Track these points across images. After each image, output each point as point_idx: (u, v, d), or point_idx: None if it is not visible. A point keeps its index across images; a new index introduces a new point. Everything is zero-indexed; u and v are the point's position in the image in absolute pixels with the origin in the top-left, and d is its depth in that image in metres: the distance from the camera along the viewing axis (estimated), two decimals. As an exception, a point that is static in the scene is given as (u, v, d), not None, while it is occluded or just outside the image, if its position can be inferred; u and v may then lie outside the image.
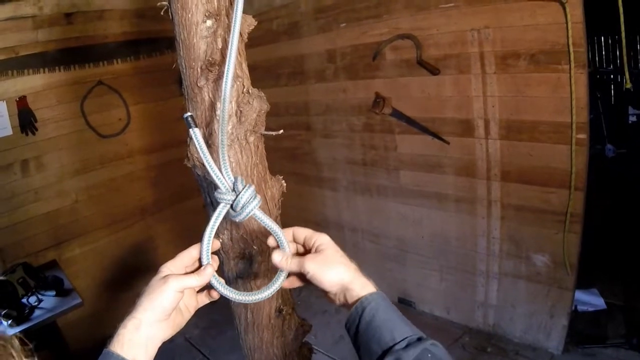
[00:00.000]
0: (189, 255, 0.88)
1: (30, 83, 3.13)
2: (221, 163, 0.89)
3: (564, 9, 2.24)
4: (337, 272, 0.86)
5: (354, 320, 0.81)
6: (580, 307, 3.08)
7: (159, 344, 0.81)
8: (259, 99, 1.11)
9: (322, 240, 0.92)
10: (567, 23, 2.25)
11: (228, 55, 0.91)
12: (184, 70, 1.12)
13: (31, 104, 3.14)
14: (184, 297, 0.85)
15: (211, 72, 1.07)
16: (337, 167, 3.67)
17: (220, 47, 1.08)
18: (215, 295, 0.90)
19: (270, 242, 0.94)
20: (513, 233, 2.81)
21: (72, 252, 3.43)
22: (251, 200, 0.89)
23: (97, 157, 3.53)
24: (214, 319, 3.48)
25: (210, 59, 1.07)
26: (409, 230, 3.34)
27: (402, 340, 0.75)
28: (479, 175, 2.84)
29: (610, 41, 6.06)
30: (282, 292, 1.32)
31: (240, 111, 1.09)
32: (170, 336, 0.84)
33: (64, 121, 3.32)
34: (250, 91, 1.12)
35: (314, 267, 0.86)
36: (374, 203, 3.52)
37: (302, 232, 0.95)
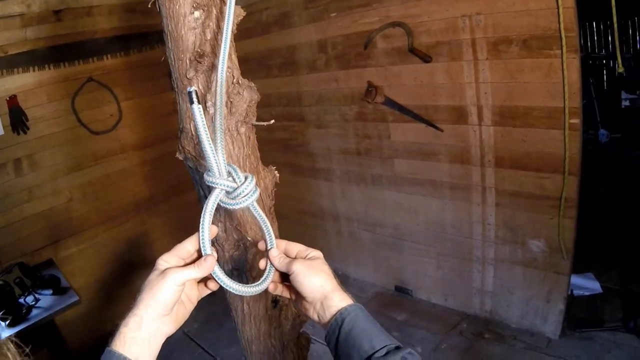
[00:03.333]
0: (185, 248, 0.87)
1: (20, 82, 3.11)
2: (218, 147, 0.88)
3: (556, -6, 2.23)
4: (320, 279, 0.88)
5: (333, 332, 0.83)
6: (576, 292, 3.10)
7: (162, 340, 0.81)
8: (249, 90, 1.11)
9: (315, 253, 0.94)
10: (558, 8, 2.24)
11: (224, 33, 0.90)
12: (173, 63, 1.11)
13: (22, 103, 3.11)
14: (185, 289, 0.84)
15: (200, 63, 1.06)
16: (332, 157, 3.66)
17: (208, 38, 1.07)
18: (212, 287, 0.90)
19: (261, 246, 0.97)
20: (508, 219, 2.82)
21: (68, 250, 3.43)
22: (253, 192, 0.89)
23: (90, 154, 3.51)
24: (212, 311, 3.47)
25: (199, 50, 1.06)
26: (405, 218, 3.34)
27: (382, 348, 0.77)
28: (473, 162, 2.84)
29: (602, 26, 6.06)
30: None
31: (231, 102, 1.09)
32: (174, 330, 0.84)
33: (55, 119, 3.30)
34: (240, 82, 1.11)
35: (299, 268, 0.88)
36: (369, 192, 3.52)
37: (295, 247, 0.97)
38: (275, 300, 1.32)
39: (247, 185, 0.89)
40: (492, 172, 2.78)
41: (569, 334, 2.82)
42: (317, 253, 0.94)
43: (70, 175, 3.44)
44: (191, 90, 0.86)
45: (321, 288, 0.87)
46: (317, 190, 3.91)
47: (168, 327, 0.82)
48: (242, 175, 0.90)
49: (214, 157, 0.87)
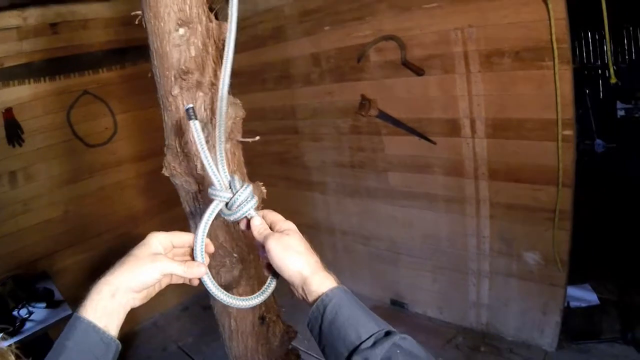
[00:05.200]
0: (182, 238, 0.87)
1: (16, 94, 3.13)
2: (218, 159, 0.88)
3: (547, 5, 2.24)
4: (296, 262, 0.83)
5: (315, 320, 0.78)
6: (573, 303, 3.07)
7: (127, 312, 0.79)
8: (234, 106, 1.11)
9: (288, 226, 0.90)
10: (550, 20, 2.25)
11: (225, 53, 0.91)
12: (158, 80, 1.11)
13: (17, 115, 3.12)
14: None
15: (185, 80, 1.06)
16: (326, 170, 3.66)
17: (193, 55, 1.08)
18: (195, 282, 0.88)
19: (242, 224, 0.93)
20: (503, 231, 2.81)
21: (63, 263, 3.42)
22: (248, 199, 0.89)
23: (85, 166, 3.51)
24: (206, 326, 3.46)
25: (184, 68, 1.07)
26: (400, 231, 3.33)
27: (369, 338, 0.71)
28: (466, 175, 2.84)
29: (597, 36, 6.08)
30: (265, 300, 1.31)
31: (215, 119, 1.09)
32: (138, 306, 0.82)
33: (50, 132, 3.31)
34: (224, 98, 1.11)
35: (274, 247, 0.83)
36: (364, 205, 3.51)
37: (271, 216, 0.93)
38: (263, 317, 1.32)
39: (241, 193, 0.88)
40: (486, 185, 2.78)
41: (566, 346, 2.79)
42: (291, 225, 0.90)
43: (66, 187, 3.44)
44: (189, 107, 0.86)
45: (299, 273, 0.82)
46: (312, 203, 3.90)
47: (135, 301, 0.80)
48: (238, 184, 0.89)
49: (211, 170, 0.87)
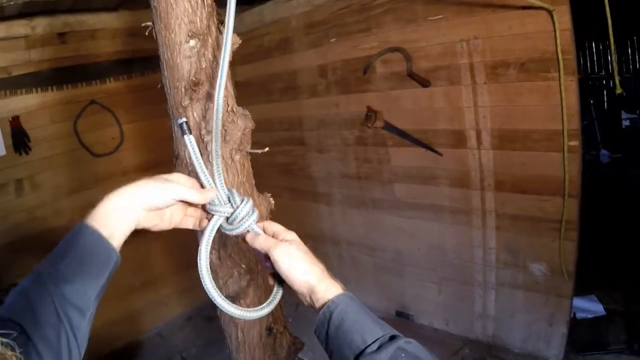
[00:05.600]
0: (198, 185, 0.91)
1: (23, 103, 3.14)
2: (215, 174, 0.89)
3: (552, 16, 2.25)
4: (302, 271, 0.84)
5: (322, 326, 0.79)
6: (579, 315, 3.06)
7: (132, 229, 0.82)
8: (244, 118, 1.12)
9: (292, 236, 0.91)
10: (555, 31, 2.26)
11: (221, 63, 0.90)
12: (169, 91, 1.12)
13: (24, 124, 3.14)
14: (172, 209, 0.88)
15: (195, 91, 1.07)
16: (332, 182, 3.67)
17: (204, 66, 1.08)
18: (204, 224, 0.90)
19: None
20: (509, 243, 2.80)
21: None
22: (250, 214, 0.89)
23: (91, 176, 3.51)
24: (210, 337, 3.44)
25: (194, 79, 1.07)
26: (406, 242, 3.32)
27: (374, 342, 0.73)
28: (472, 186, 2.84)
29: (601, 47, 6.09)
30: (272, 310, 1.31)
31: (225, 130, 1.09)
32: (142, 227, 0.85)
33: (57, 140, 3.32)
34: (234, 110, 1.12)
35: (281, 257, 0.84)
36: (369, 216, 3.51)
37: (272, 228, 0.94)
38: (270, 328, 1.31)
39: (242, 208, 0.88)
40: (492, 196, 2.77)
41: (572, 357, 2.77)
42: (294, 236, 0.91)
43: (72, 196, 3.43)
44: (181, 121, 0.87)
45: (306, 282, 0.83)
46: (318, 214, 3.90)
47: (142, 221, 0.84)
48: (238, 199, 0.89)
49: (209, 185, 0.88)
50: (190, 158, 0.88)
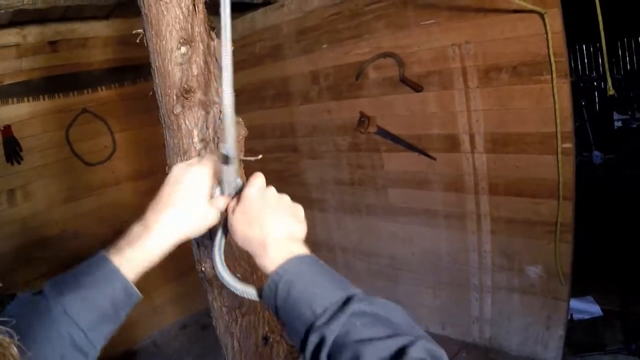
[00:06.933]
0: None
1: (14, 112, 3.12)
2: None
3: (544, 20, 2.26)
4: (241, 238, 0.78)
5: (268, 299, 0.71)
6: (576, 316, 3.05)
7: (173, 243, 0.77)
8: (236, 125, 1.11)
9: (248, 188, 0.82)
10: (547, 34, 2.28)
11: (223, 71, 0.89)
12: (160, 98, 1.11)
13: (16, 133, 3.11)
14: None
15: (187, 99, 1.06)
16: (326, 188, 3.66)
17: (195, 73, 1.07)
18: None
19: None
20: (504, 246, 2.80)
21: (61, 283, 3.37)
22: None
23: (84, 185, 3.50)
24: (205, 345, 3.42)
25: (186, 86, 1.06)
26: (400, 248, 3.32)
27: (324, 311, 0.64)
28: (467, 190, 2.84)
29: (592, 49, 6.14)
30: (268, 319, 1.30)
31: (218, 137, 1.08)
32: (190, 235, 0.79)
33: (49, 149, 3.30)
34: (227, 117, 1.11)
35: (230, 227, 0.79)
36: (363, 222, 3.50)
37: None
38: (266, 337, 1.30)
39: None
40: (487, 200, 2.78)
41: (570, 359, 2.77)
42: (252, 184, 0.83)
43: (64, 206, 3.41)
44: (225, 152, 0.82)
45: (246, 247, 0.76)
46: (312, 221, 3.87)
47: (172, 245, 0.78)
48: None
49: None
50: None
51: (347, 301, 0.65)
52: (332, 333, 0.61)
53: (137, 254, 0.74)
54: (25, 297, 0.70)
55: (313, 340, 0.62)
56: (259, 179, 0.84)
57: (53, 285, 0.70)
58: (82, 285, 0.70)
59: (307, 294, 0.67)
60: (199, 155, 1.06)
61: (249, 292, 0.78)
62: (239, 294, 0.80)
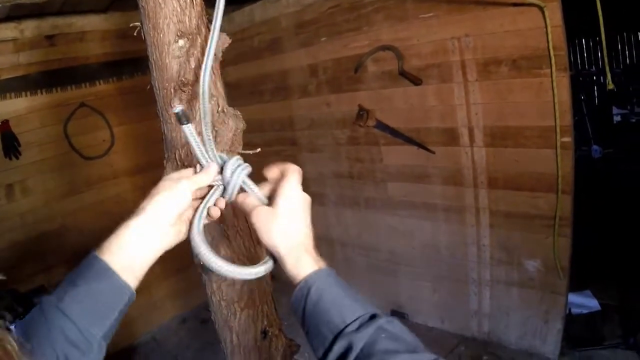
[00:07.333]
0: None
1: (12, 107, 3.10)
2: (207, 146, 0.86)
3: (543, 13, 2.25)
4: (272, 238, 0.80)
5: (299, 302, 0.75)
6: (574, 310, 3.06)
7: (157, 256, 0.79)
8: (235, 118, 1.10)
9: (285, 187, 0.86)
10: (546, 27, 2.27)
11: (204, 62, 0.88)
12: (158, 92, 1.10)
13: (14, 128, 3.10)
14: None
15: (184, 92, 1.06)
16: (325, 182, 3.65)
17: (193, 66, 1.07)
18: (214, 214, 0.84)
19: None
20: (503, 240, 2.81)
21: (61, 277, 3.33)
22: (239, 166, 0.87)
23: (82, 179, 3.49)
24: (205, 340, 3.42)
25: (184, 79, 1.06)
26: (400, 241, 3.32)
27: (354, 321, 0.69)
28: (466, 184, 2.84)
29: (591, 43, 6.13)
30: (267, 313, 1.29)
31: (216, 131, 1.08)
32: (172, 245, 0.81)
33: (47, 144, 3.29)
34: (225, 110, 1.10)
35: (254, 222, 0.81)
36: (363, 216, 3.50)
37: (272, 173, 0.91)
38: (265, 331, 1.30)
39: (228, 162, 0.86)
40: (486, 193, 2.77)
41: (568, 353, 2.77)
42: (289, 183, 0.86)
43: (63, 201, 3.41)
44: (177, 110, 0.83)
45: (277, 253, 0.79)
46: (311, 215, 3.87)
47: (170, 238, 0.80)
48: (227, 157, 0.88)
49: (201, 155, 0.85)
50: (191, 148, 0.85)
51: (373, 316, 0.70)
52: (360, 340, 0.66)
53: (127, 257, 0.76)
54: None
55: (342, 344, 0.68)
56: (298, 175, 0.88)
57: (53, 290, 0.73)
58: (73, 282, 0.72)
59: (338, 303, 0.72)
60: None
61: (234, 270, 0.80)
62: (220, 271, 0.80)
